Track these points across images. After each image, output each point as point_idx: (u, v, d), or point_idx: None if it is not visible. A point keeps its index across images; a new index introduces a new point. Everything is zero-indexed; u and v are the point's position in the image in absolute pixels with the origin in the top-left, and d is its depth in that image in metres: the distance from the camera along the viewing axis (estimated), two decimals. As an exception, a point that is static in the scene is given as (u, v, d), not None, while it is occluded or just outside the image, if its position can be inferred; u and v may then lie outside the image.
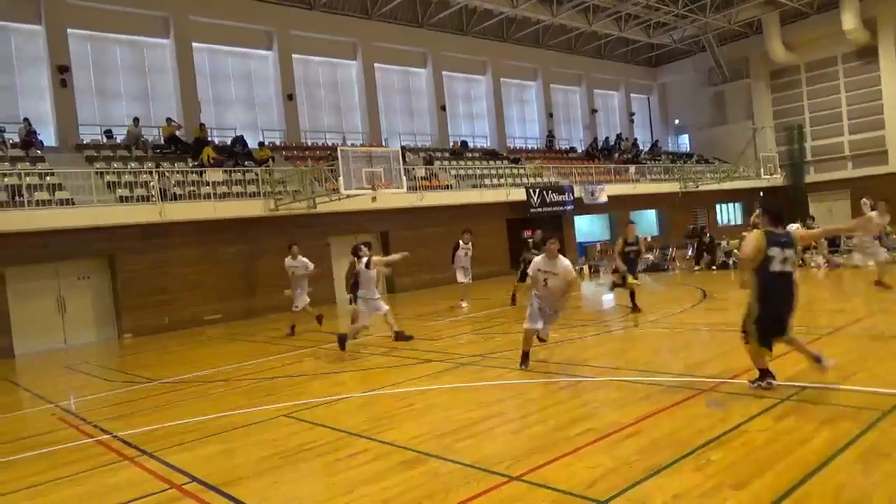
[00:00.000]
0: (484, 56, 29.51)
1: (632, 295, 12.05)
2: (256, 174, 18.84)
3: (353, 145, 21.75)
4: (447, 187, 22.82)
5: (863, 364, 6.92)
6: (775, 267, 5.76)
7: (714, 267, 19.20)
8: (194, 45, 21.52)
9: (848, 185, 30.46)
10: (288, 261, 13.27)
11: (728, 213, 34.65)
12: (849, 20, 29.16)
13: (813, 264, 17.48)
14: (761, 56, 33.51)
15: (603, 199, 25.83)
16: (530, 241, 14.43)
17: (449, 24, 27.75)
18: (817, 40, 31.75)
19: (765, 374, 6.06)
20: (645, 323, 10.98)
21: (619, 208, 27.63)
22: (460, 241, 15.51)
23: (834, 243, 18.85)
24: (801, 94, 33.99)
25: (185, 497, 4.75)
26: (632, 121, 37.03)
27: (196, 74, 21.56)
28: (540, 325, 7.81)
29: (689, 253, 21.27)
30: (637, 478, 4.25)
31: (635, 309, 11.92)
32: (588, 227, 29.23)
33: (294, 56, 23.79)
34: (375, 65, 25.95)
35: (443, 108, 27.98)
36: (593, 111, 34.77)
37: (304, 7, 23.86)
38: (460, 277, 15.49)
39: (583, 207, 25.81)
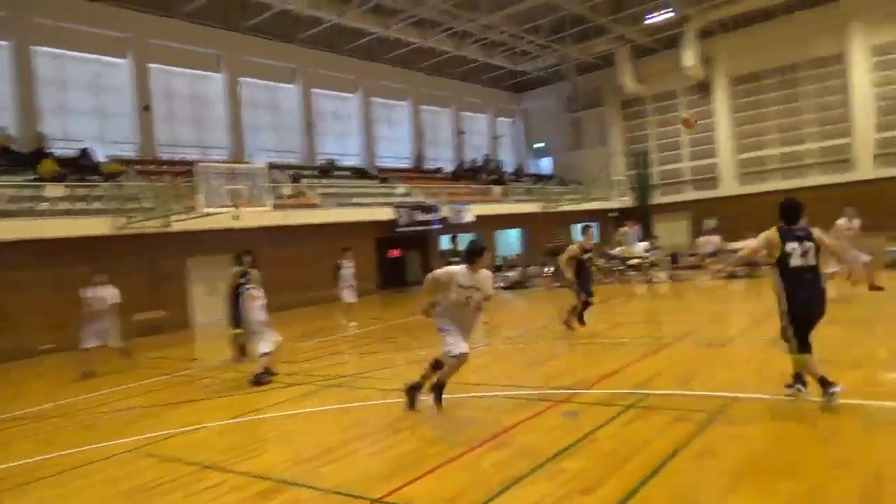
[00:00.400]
0: (354, 74, 29.48)
1: (584, 306, 11.01)
2: (104, 189, 17.48)
3: (215, 161, 20.80)
4: (315, 206, 22.44)
5: (699, 370, 7.59)
6: (796, 261, 5.63)
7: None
8: (37, 48, 19.68)
9: (689, 207, 33.40)
10: (90, 290, 11.50)
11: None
12: (689, 57, 32.20)
13: (654, 279, 18.96)
14: (614, 87, 36.12)
15: (469, 218, 26.56)
16: (449, 249, 13.71)
17: (319, 42, 27.48)
18: (662, 74, 34.75)
19: (799, 378, 5.90)
20: (508, 338, 11.36)
21: (485, 227, 28.50)
22: (343, 261, 14.81)
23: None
24: (647, 122, 37.00)
25: (8, 549, 4.26)
26: (497, 143, 38.52)
27: (37, 81, 19.72)
28: (467, 348, 6.66)
29: (549, 269, 22.33)
30: (495, 490, 4.37)
31: (576, 326, 11.00)
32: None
33: (152, 66, 22.45)
34: (241, 79, 25.11)
35: (311, 125, 27.58)
36: (461, 133, 35.80)
37: (163, 14, 22.63)
38: (348, 297, 14.62)
39: (450, 226, 26.36)
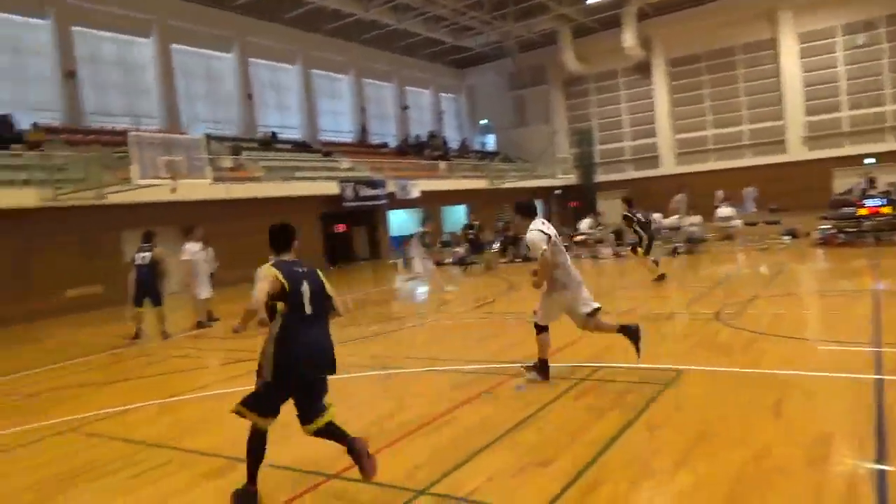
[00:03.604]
0: (294, 45, 28.64)
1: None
2: (28, 159, 16.46)
3: (148, 131, 19.89)
4: (257, 179, 21.80)
5: (647, 343, 7.74)
6: None
7: (518, 259, 20.47)
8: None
9: (629, 186, 34.14)
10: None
11: (529, 209, 37.04)
12: (628, 38, 32.69)
13: (601, 255, 19.34)
14: (557, 65, 36.37)
15: (415, 194, 26.39)
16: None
17: (256, 10, 26.49)
18: (603, 54, 35.20)
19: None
20: (455, 314, 11.35)
21: (431, 203, 28.43)
22: (191, 244, 11.78)
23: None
24: (590, 101, 37.48)
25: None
26: (441, 119, 38.28)
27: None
28: None
29: (496, 246, 22.43)
30: (453, 464, 4.34)
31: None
32: (402, 221, 29.70)
33: (75, 28, 21.18)
34: (173, 46, 24.00)
35: (249, 96, 26.70)
36: (404, 108, 35.40)
37: (88, -26, 21.34)
38: (202, 292, 11.93)
39: (396, 202, 26.14)
